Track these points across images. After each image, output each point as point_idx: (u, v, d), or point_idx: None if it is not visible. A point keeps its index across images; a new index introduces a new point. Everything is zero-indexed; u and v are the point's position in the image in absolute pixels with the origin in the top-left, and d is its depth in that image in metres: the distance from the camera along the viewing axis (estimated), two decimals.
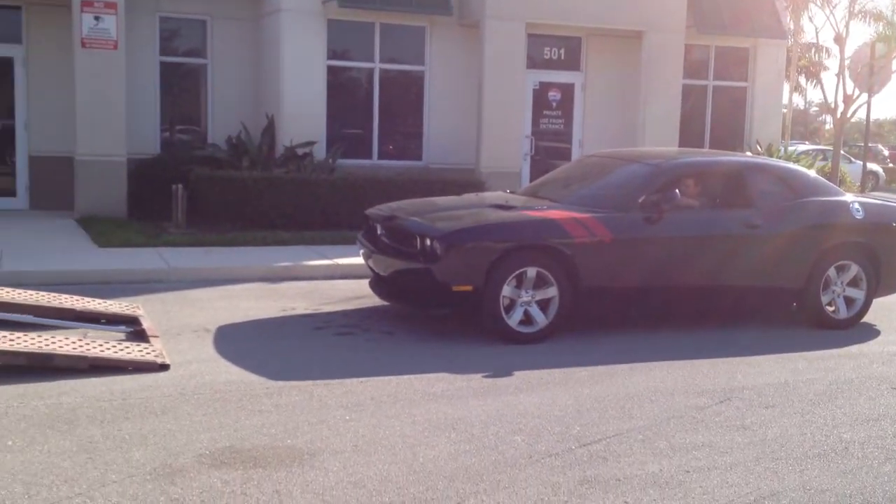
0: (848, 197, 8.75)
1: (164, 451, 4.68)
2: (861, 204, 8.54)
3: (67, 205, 12.94)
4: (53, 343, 6.16)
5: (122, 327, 7.10)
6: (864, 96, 15.11)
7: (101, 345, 6.33)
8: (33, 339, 6.19)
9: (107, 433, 4.90)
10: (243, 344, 6.98)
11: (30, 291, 7.50)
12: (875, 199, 9.77)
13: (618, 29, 15.00)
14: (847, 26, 15.00)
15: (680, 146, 15.09)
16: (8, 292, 7.32)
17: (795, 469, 4.78)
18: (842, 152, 25.86)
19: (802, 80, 37.34)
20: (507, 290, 7.20)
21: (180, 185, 11.88)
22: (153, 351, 6.40)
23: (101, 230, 11.17)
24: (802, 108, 50.47)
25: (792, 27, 16.13)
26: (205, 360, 6.42)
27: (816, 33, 15.98)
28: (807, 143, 34.90)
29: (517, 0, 13.90)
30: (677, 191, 7.71)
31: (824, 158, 19.17)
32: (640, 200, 7.71)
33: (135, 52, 13.24)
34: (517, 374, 6.39)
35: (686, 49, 15.25)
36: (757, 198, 8.17)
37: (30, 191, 13.42)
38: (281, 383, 5.94)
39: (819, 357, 7.24)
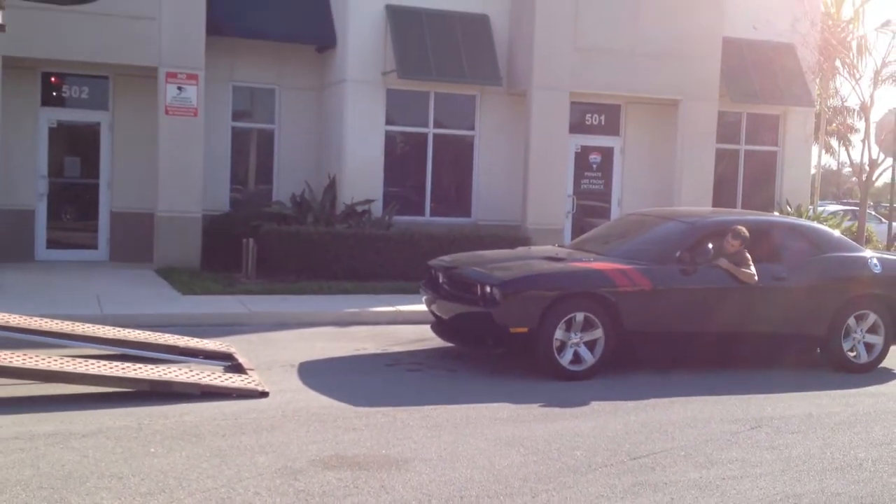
0: (867, 253, 9.59)
1: (283, 457, 5.61)
2: (879, 259, 9.35)
3: (143, 257, 14.07)
4: (170, 373, 7.16)
5: (220, 362, 8.07)
6: (889, 160, 16.01)
7: (208, 375, 7.31)
8: (152, 369, 7.19)
9: (230, 444, 5.84)
10: (326, 377, 7.93)
11: (137, 331, 8.51)
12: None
13: (655, 98, 16.07)
14: (872, 96, 15.93)
15: (714, 206, 16.00)
16: (120, 331, 8.34)
17: (815, 478, 5.60)
18: (872, 213, 26.60)
19: (834, 142, 38.16)
20: (558, 333, 8.07)
21: (251, 239, 12.97)
22: (253, 381, 7.37)
23: (181, 280, 12.25)
24: (835, 168, 51.07)
25: (820, 92, 17.07)
26: (296, 390, 7.36)
27: (842, 102, 16.85)
28: (838, 202, 35.50)
29: (561, 72, 15.02)
30: (710, 246, 8.60)
31: (853, 218, 19.90)
32: (676, 254, 8.61)
33: (209, 117, 14.45)
34: (571, 404, 7.26)
35: (719, 115, 16.23)
36: (783, 253, 9.03)
37: (110, 244, 14.57)
38: (366, 409, 6.85)
39: (841, 395, 8.03)
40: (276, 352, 8.86)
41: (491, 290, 8.14)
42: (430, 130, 15.49)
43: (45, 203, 14.16)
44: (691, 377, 8.45)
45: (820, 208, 20.40)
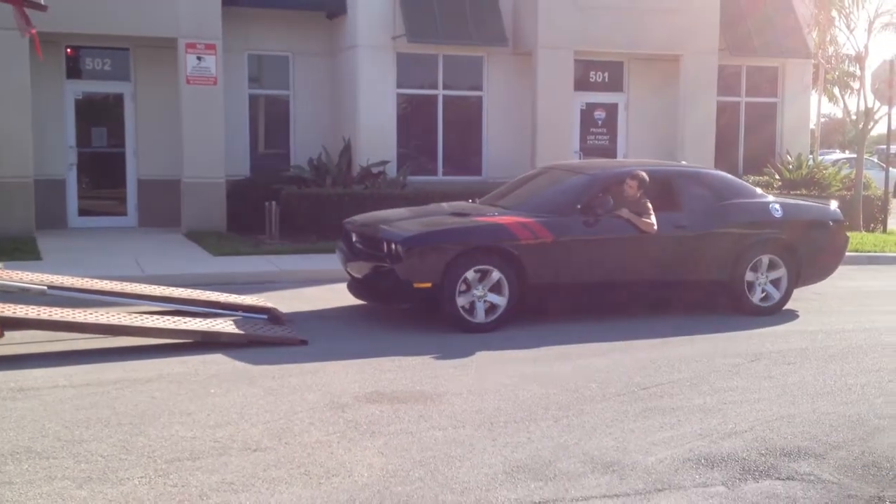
0: (769, 198, 9.84)
1: (328, 394, 6.26)
2: (781, 204, 9.66)
3: (171, 222, 14.71)
4: (216, 325, 7.81)
5: (260, 315, 8.69)
6: (885, 108, 16.46)
7: (252, 326, 7.97)
8: (201, 322, 7.84)
9: (281, 384, 6.49)
10: (356, 327, 8.58)
11: (181, 289, 9.14)
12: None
13: (657, 54, 16.56)
14: (866, 47, 16.33)
15: (716, 158, 16.55)
16: (166, 289, 8.96)
17: (808, 401, 6.25)
18: (875, 160, 27.05)
19: (837, 91, 38.39)
20: (461, 287, 8.27)
21: (273, 203, 13.57)
22: (292, 331, 8.03)
23: (211, 242, 12.90)
24: (841, 116, 51.25)
25: (818, 42, 17.50)
26: (331, 338, 8.00)
27: (835, 52, 17.03)
28: (847, 151, 35.84)
29: (566, 31, 15.50)
30: (610, 198, 8.87)
31: (853, 166, 20.39)
32: (578, 206, 8.85)
33: (228, 86, 14.96)
34: (582, 345, 7.90)
35: (719, 69, 16.71)
36: (684, 201, 9.24)
37: (138, 210, 15.20)
38: (396, 353, 7.47)
39: (837, 330, 8.66)
40: (309, 305, 9.51)
41: (395, 246, 8.32)
42: (440, 92, 16.03)
43: (75, 172, 14.77)
44: (679, 320, 8.99)
45: (822, 157, 20.90)
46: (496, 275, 8.37)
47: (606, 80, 16.99)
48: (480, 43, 15.48)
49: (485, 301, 8.40)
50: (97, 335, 7.52)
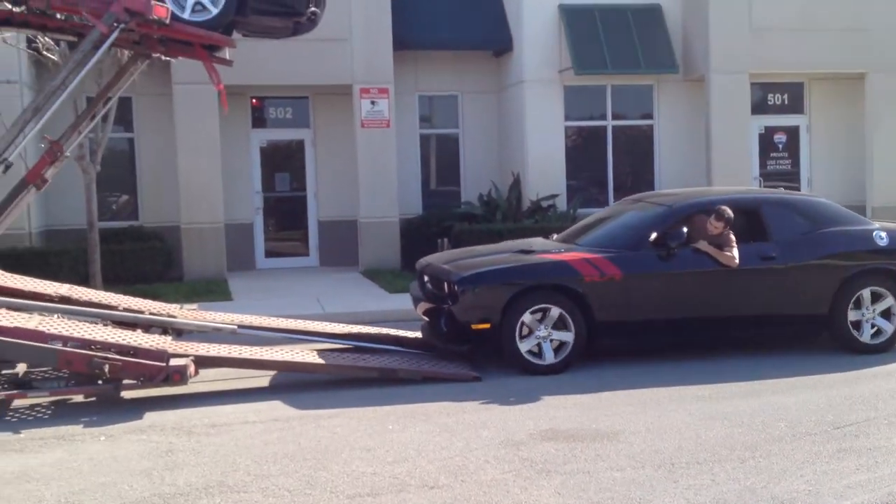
0: (873, 225, 8.98)
1: (503, 431, 6.25)
2: (887, 232, 8.76)
3: (349, 260, 15.25)
4: (393, 362, 8.00)
5: (430, 351, 8.84)
6: None
7: (427, 362, 8.11)
8: (379, 359, 8.06)
9: (455, 421, 6.54)
10: None
11: (358, 326, 9.43)
12: None
13: (840, 73, 15.74)
14: None
15: None
16: (344, 327, 9.27)
17: None
18: None
19: None
20: (523, 327, 7.93)
21: (445, 239, 13.79)
22: (465, 367, 8.10)
23: (386, 280, 13.27)
24: None
25: None
26: (505, 375, 8.00)
27: None
28: None
29: (740, 54, 15.03)
30: (684, 229, 8.27)
31: None
32: (650, 239, 8.35)
33: (399, 127, 15.43)
34: (766, 381, 7.53)
35: None
36: (773, 230, 8.60)
37: (319, 250, 15.87)
38: (571, 389, 7.40)
39: None
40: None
41: (453, 286, 8.11)
42: (609, 123, 15.89)
43: (262, 216, 15.64)
44: (817, 356, 8.42)
45: None
46: (557, 314, 7.99)
47: (785, 101, 16.33)
48: (649, 70, 15.26)
49: (548, 341, 8.04)
50: (283, 371, 7.87)
